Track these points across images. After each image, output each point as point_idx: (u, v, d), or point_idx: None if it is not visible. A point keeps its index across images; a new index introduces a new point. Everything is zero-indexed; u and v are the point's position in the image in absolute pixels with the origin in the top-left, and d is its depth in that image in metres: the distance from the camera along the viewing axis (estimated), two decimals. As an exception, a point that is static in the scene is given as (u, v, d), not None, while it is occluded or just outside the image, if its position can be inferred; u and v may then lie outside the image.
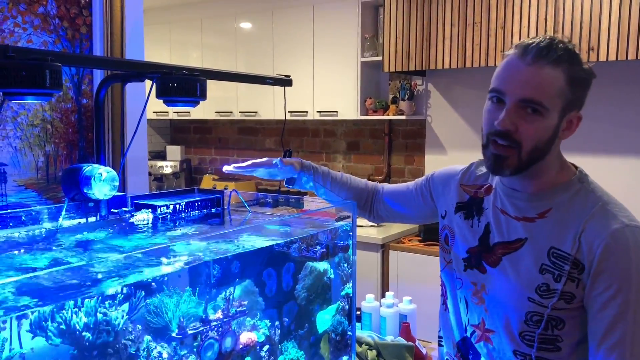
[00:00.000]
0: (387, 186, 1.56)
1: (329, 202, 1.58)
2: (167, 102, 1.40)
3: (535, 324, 1.11)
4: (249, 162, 1.49)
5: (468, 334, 1.24)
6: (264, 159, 1.49)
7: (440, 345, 1.37)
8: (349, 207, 1.55)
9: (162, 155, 5.13)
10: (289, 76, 1.90)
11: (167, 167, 4.86)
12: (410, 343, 1.82)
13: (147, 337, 1.11)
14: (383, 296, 2.05)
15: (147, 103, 1.51)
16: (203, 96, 1.42)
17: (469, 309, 1.23)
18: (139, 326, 1.10)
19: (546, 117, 1.07)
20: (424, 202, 1.43)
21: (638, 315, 1.02)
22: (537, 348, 1.12)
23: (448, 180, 1.36)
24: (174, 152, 5.04)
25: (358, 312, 1.98)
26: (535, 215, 1.13)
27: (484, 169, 1.30)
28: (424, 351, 1.84)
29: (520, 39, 3.09)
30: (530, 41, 1.08)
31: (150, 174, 4.82)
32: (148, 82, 1.46)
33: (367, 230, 3.65)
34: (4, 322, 0.92)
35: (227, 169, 1.50)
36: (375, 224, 3.73)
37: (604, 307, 1.04)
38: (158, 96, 1.39)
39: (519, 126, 1.08)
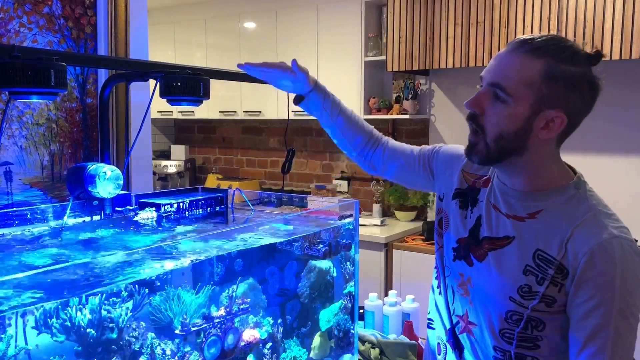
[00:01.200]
0: (391, 141, 1.50)
1: (351, 152, 1.51)
2: (171, 102, 1.41)
3: (515, 322, 1.10)
4: (262, 62, 1.40)
5: (454, 324, 1.24)
6: (278, 62, 1.41)
7: (430, 327, 1.36)
8: (352, 206, 1.55)
9: (166, 155, 5.14)
10: (292, 75, 1.90)
11: (171, 166, 4.88)
12: (412, 341, 1.82)
13: (151, 334, 1.12)
14: (386, 295, 2.06)
15: (150, 102, 1.52)
16: (206, 95, 1.42)
17: (455, 299, 1.24)
18: (143, 323, 1.11)
19: (510, 105, 1.06)
20: (423, 171, 1.40)
21: (619, 327, 1.01)
22: (517, 345, 1.11)
23: (452, 162, 1.33)
24: (179, 152, 5.06)
25: (361, 311, 1.99)
26: (525, 215, 1.12)
27: None
28: (426, 349, 1.85)
29: (523, 38, 3.09)
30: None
31: (154, 173, 4.83)
32: (152, 82, 1.47)
33: (370, 229, 3.66)
34: (10, 318, 0.93)
35: (240, 65, 1.41)
36: (387, 219, 3.73)
37: (586, 316, 1.03)
38: (162, 95, 1.40)
39: (486, 110, 1.09)
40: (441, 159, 1.37)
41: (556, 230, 1.08)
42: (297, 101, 1.48)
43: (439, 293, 1.32)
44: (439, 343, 1.32)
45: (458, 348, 1.24)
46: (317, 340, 1.52)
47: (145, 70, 1.43)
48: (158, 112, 4.79)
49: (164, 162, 4.89)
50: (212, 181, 4.76)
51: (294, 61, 1.41)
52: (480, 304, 1.16)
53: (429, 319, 1.37)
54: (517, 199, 1.14)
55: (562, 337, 1.09)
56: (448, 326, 1.27)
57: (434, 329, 1.35)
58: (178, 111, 4.82)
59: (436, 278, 1.34)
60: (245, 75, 1.78)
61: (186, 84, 1.37)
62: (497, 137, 1.08)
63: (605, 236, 1.04)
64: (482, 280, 1.16)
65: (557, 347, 1.11)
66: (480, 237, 1.18)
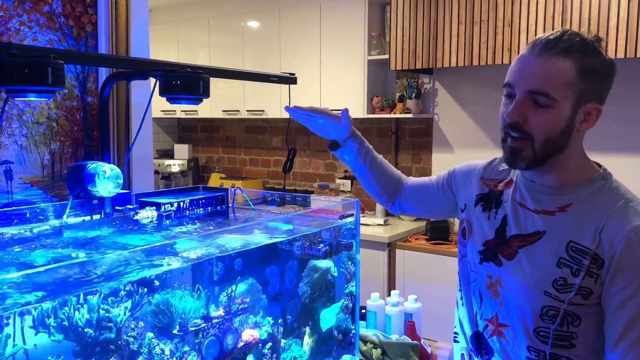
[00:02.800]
0: (412, 179, 1.54)
1: (381, 197, 1.54)
2: (170, 100, 1.40)
3: (550, 319, 1.09)
4: (309, 107, 1.43)
5: (480, 329, 1.23)
6: (323, 107, 1.44)
7: (455, 341, 1.35)
8: (353, 205, 1.54)
9: (169, 154, 5.14)
10: (294, 74, 1.89)
11: (174, 165, 4.87)
12: (415, 342, 1.81)
13: (149, 334, 1.11)
14: (389, 295, 2.04)
15: (150, 100, 1.51)
16: (206, 94, 1.42)
17: (483, 302, 1.22)
18: (141, 323, 1.10)
19: (555, 108, 1.06)
20: (445, 197, 1.42)
21: None
22: (552, 344, 1.10)
23: (469, 174, 1.35)
24: (182, 151, 5.06)
25: (363, 311, 1.98)
26: (555, 209, 1.12)
27: (506, 165, 1.30)
28: (429, 350, 1.83)
29: (527, 36, 3.07)
30: (542, 35, 1.09)
31: (158, 173, 4.83)
32: (153, 81, 1.46)
33: (374, 229, 3.65)
34: (7, 318, 0.92)
35: (287, 107, 1.42)
36: (390, 219, 3.72)
37: (623, 305, 1.03)
38: (161, 94, 1.39)
39: (528, 117, 1.08)
40: (458, 176, 1.39)
41: (589, 221, 1.08)
42: (332, 147, 1.49)
43: (462, 304, 1.31)
44: (462, 354, 1.31)
45: (486, 353, 1.22)
46: (306, 341, 1.51)
47: (145, 68, 1.43)
48: (161, 111, 4.79)
49: (167, 162, 4.89)
50: (215, 180, 4.76)
51: (345, 111, 1.42)
52: (512, 303, 1.15)
53: (454, 333, 1.37)
54: (546, 194, 1.15)
55: (597, 334, 1.09)
56: (470, 332, 1.26)
57: (458, 342, 1.34)
58: (181, 110, 4.82)
59: (460, 290, 1.33)
60: (246, 73, 1.77)
61: (185, 82, 1.36)
62: (545, 140, 1.08)
63: (639, 222, 1.05)
64: (514, 279, 1.15)
65: (592, 347, 1.10)
66: (508, 236, 1.18)
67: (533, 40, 1.10)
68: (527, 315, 1.12)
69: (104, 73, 1.95)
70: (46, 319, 0.98)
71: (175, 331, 1.14)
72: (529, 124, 1.08)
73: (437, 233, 3.48)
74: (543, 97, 1.06)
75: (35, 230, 1.33)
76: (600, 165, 1.17)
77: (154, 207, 1.47)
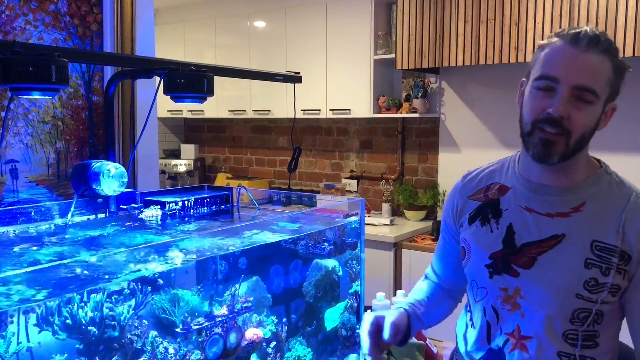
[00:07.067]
0: (432, 268, 1.42)
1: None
2: (175, 98, 1.41)
3: (581, 321, 1.09)
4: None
5: (500, 344, 1.17)
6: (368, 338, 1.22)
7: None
8: (357, 205, 1.54)
9: (176, 154, 5.16)
10: (299, 73, 1.89)
11: (181, 165, 4.88)
12: (421, 342, 1.80)
13: (153, 333, 1.11)
14: (395, 294, 2.04)
15: (155, 99, 1.51)
16: (210, 92, 1.42)
17: (500, 317, 1.17)
18: (145, 321, 1.10)
19: (595, 105, 1.07)
20: (457, 247, 1.32)
21: None
22: (581, 346, 1.10)
23: (454, 206, 1.29)
24: (188, 151, 5.07)
25: (369, 310, 1.97)
26: (569, 210, 1.11)
27: (479, 171, 1.27)
28: (434, 350, 1.82)
29: (534, 35, 3.05)
30: (578, 30, 1.07)
31: (164, 173, 4.84)
32: (158, 79, 1.47)
33: (380, 228, 3.64)
34: (12, 315, 0.92)
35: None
36: (396, 219, 3.71)
37: None
38: (165, 92, 1.40)
39: (571, 114, 1.06)
40: (449, 216, 1.31)
41: (607, 218, 1.09)
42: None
43: (471, 325, 1.25)
44: None
45: None
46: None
47: (149, 67, 1.43)
48: (168, 111, 4.80)
49: (173, 161, 4.91)
50: (221, 180, 4.77)
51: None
52: (537, 312, 1.12)
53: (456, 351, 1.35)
54: (557, 195, 1.13)
55: (616, 329, 1.12)
56: (480, 354, 1.21)
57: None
58: (188, 110, 4.83)
59: (468, 311, 1.28)
60: (251, 72, 1.77)
61: (189, 80, 1.36)
62: (581, 137, 1.08)
63: None
64: (537, 286, 1.12)
65: (612, 344, 1.13)
66: (519, 245, 1.14)
67: (569, 34, 1.07)
68: (555, 322, 1.10)
69: (109, 72, 1.95)
70: (50, 317, 0.98)
71: (178, 329, 1.14)
72: (571, 121, 1.06)
73: (444, 233, 3.46)
74: (590, 94, 1.05)
75: (40, 229, 1.34)
76: (598, 160, 1.18)
77: (159, 206, 1.47)
